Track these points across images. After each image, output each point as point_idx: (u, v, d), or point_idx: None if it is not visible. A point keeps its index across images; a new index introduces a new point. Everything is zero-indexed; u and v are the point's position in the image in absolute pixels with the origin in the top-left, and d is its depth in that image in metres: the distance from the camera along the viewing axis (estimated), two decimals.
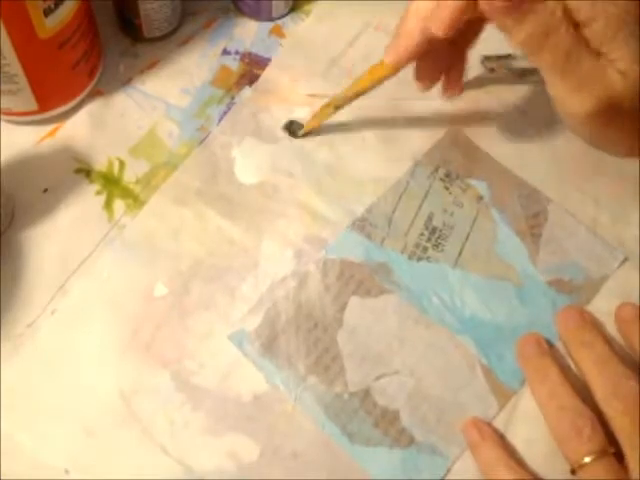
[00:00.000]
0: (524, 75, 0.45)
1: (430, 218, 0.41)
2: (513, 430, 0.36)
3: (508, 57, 0.45)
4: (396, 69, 0.38)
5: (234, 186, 0.42)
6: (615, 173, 0.43)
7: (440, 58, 0.39)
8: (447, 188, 0.42)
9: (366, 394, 0.36)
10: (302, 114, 0.44)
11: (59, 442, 0.35)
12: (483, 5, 0.32)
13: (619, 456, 0.32)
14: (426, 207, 0.41)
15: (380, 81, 0.39)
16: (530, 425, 0.35)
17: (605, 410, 0.33)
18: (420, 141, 0.44)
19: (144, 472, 0.34)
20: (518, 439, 0.36)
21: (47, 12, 0.37)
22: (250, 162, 0.43)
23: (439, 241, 0.40)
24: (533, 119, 0.45)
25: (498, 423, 0.36)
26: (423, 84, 0.40)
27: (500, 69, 0.45)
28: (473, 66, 0.45)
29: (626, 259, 0.40)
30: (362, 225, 0.41)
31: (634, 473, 0.31)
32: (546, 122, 0.44)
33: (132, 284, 0.39)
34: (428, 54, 0.37)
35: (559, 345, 0.37)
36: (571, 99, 0.33)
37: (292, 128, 0.44)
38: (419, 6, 0.35)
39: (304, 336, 0.37)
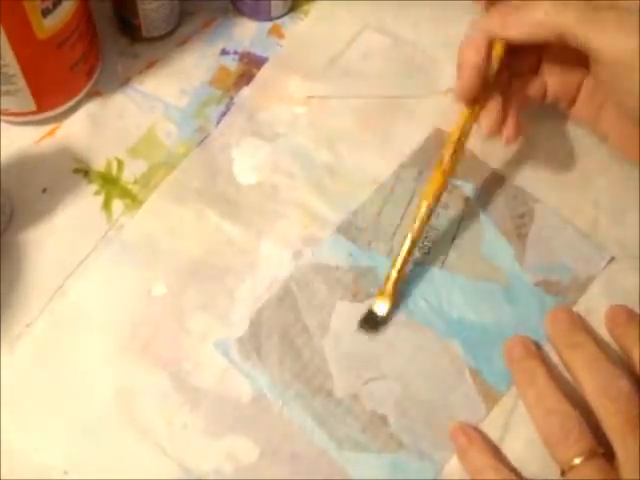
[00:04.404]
0: None
1: None
2: (514, 431, 0.36)
3: None
4: (471, 102, 0.38)
5: (233, 186, 0.42)
6: (615, 174, 0.43)
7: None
8: None
9: (353, 399, 0.36)
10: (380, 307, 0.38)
11: (58, 443, 0.35)
12: None
13: (608, 456, 0.32)
14: (412, 209, 0.41)
15: (468, 131, 0.38)
16: (531, 425, 0.35)
17: (596, 410, 0.33)
18: (420, 142, 0.43)
19: (143, 473, 0.34)
20: (519, 440, 0.36)
21: (45, 12, 0.37)
22: (249, 162, 0.43)
23: (425, 243, 0.40)
24: (529, 117, 0.45)
25: (496, 424, 0.36)
26: (489, 127, 0.39)
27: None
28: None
29: (613, 258, 0.40)
30: (348, 229, 0.40)
31: (625, 472, 0.32)
32: (540, 121, 0.44)
33: (131, 284, 0.39)
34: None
35: (547, 347, 0.37)
36: None
37: (373, 320, 0.38)
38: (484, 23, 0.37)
39: (290, 343, 0.37)
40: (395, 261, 0.38)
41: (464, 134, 0.38)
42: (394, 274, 0.38)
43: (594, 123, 0.41)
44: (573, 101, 0.41)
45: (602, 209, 0.42)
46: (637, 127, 0.37)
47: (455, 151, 0.38)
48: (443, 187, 0.38)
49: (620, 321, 0.37)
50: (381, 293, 0.38)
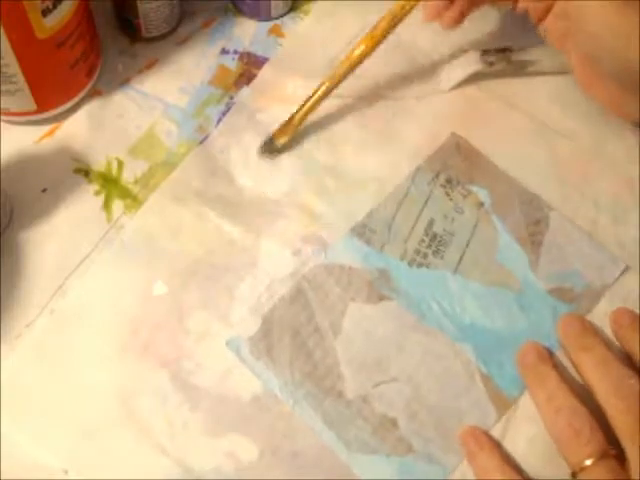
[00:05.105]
0: (524, 67, 0.45)
1: (430, 224, 0.41)
2: (515, 430, 0.36)
3: (507, 50, 0.45)
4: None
5: (233, 186, 0.42)
6: (614, 175, 0.43)
7: None
8: (448, 194, 0.42)
9: (364, 401, 0.36)
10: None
11: (58, 442, 0.35)
12: None
13: (619, 457, 0.32)
14: (426, 213, 0.41)
15: (397, 23, 0.40)
16: (532, 425, 0.35)
17: (606, 410, 0.33)
18: (420, 142, 0.43)
19: (143, 472, 0.34)
20: (520, 439, 0.36)
21: (45, 12, 0.37)
22: (249, 162, 0.43)
23: (439, 247, 0.40)
24: (529, 117, 0.45)
25: (498, 424, 0.36)
26: (431, 13, 0.40)
27: (500, 62, 0.45)
28: (472, 62, 0.45)
29: (627, 267, 0.40)
30: (362, 231, 0.40)
31: (635, 472, 0.31)
32: (546, 121, 0.44)
33: (131, 284, 0.39)
34: None
35: (559, 354, 0.37)
36: None
37: (272, 147, 0.43)
38: None
39: (302, 343, 0.37)
40: (303, 105, 0.42)
41: (406, 8, 0.40)
42: (298, 118, 0.42)
43: (560, 47, 0.40)
44: (542, 18, 0.40)
45: (602, 209, 0.42)
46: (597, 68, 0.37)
47: (391, 21, 0.40)
48: (368, 53, 0.41)
49: (623, 323, 0.37)
50: (283, 131, 0.42)
